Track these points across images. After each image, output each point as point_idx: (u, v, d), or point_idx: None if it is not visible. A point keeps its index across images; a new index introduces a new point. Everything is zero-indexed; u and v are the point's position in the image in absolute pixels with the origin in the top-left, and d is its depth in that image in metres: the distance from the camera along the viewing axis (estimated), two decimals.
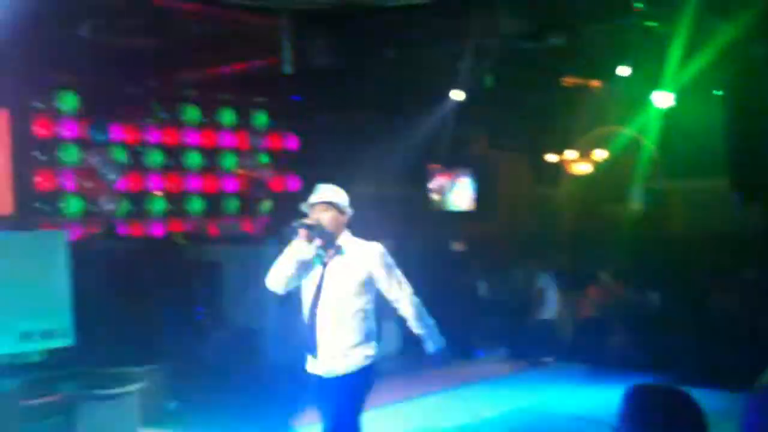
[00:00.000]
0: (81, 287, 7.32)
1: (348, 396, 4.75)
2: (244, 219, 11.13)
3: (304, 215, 4.81)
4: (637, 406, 2.42)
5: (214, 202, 10.87)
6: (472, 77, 10.99)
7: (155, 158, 10.32)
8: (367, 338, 4.79)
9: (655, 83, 11.06)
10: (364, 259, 4.79)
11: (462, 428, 7.73)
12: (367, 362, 4.78)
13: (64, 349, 7.25)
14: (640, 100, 11.71)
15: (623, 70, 10.92)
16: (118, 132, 9.87)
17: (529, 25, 9.79)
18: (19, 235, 7.62)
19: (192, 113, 10.69)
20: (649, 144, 13.04)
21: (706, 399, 2.57)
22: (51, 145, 9.29)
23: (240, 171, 11.09)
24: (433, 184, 13.83)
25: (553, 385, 9.47)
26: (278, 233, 4.92)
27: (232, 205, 11.06)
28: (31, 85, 9.13)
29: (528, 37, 9.90)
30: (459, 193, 14.12)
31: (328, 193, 4.88)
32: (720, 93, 12.07)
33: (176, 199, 10.51)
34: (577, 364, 10.33)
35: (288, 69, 9.22)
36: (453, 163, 13.89)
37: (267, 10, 8.56)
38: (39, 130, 9.18)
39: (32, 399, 6.89)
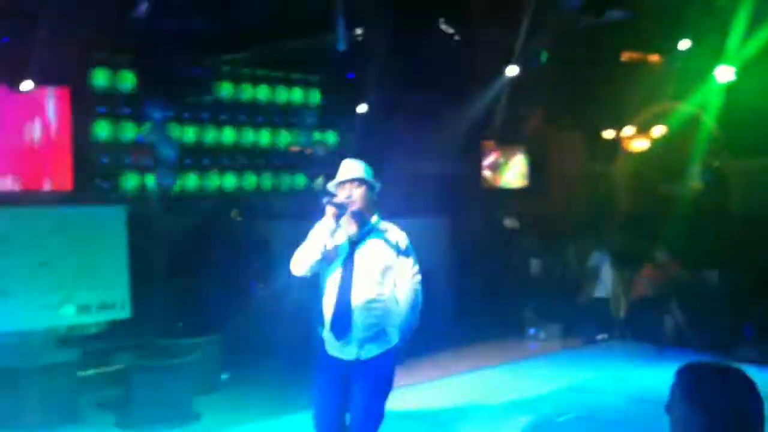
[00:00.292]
0: (138, 261, 7.48)
1: (378, 380, 4.63)
2: (299, 195, 11.20)
3: (332, 195, 4.62)
4: (691, 383, 2.35)
5: (269, 178, 10.96)
6: (529, 53, 10.83)
7: (210, 135, 10.44)
8: (393, 320, 4.68)
9: (716, 57, 10.77)
10: (391, 243, 4.64)
11: (514, 403, 7.71)
12: (394, 344, 4.69)
13: (121, 322, 7.43)
14: (701, 75, 11.42)
15: (684, 44, 10.65)
16: (174, 110, 9.99)
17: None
18: (79, 210, 7.79)
19: (248, 91, 10.76)
20: (710, 121, 12.72)
21: (762, 378, 2.51)
22: (110, 122, 9.45)
23: (295, 148, 11.15)
24: (487, 161, 13.73)
25: (607, 363, 9.38)
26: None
27: (288, 181, 11.13)
28: (92, 64, 9.27)
29: (587, 11, 9.70)
30: (513, 171, 14.00)
31: (357, 169, 4.65)
32: None
33: (232, 175, 10.61)
34: (630, 342, 10.22)
35: (342, 46, 9.20)
36: (507, 140, 13.75)
37: None
38: (98, 107, 9.33)
39: (90, 370, 7.07)
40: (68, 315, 7.03)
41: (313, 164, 11.25)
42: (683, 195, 13.29)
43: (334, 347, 4.67)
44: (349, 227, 4.60)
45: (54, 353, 6.91)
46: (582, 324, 10.58)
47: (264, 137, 11.07)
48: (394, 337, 4.69)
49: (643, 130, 14.42)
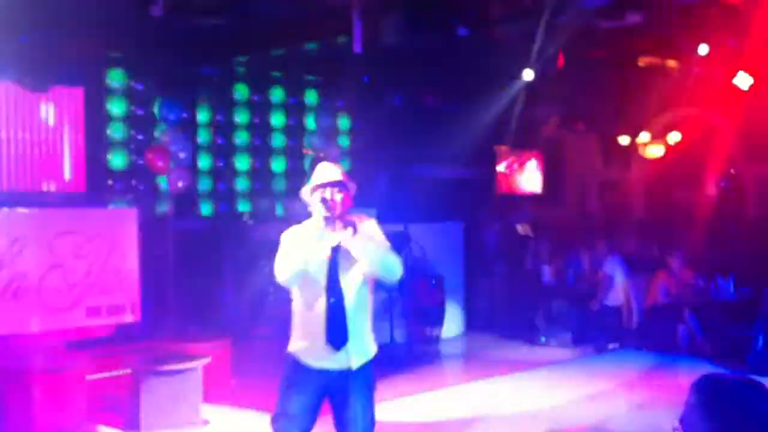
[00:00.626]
0: (148, 264, 7.47)
1: (370, 388, 4.55)
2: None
3: (324, 199, 4.52)
4: (708, 395, 2.31)
5: (283, 181, 10.95)
6: (545, 56, 10.75)
7: (224, 136, 10.45)
8: (370, 326, 4.65)
9: (734, 63, 10.67)
10: (367, 233, 4.50)
11: (526, 413, 7.65)
12: (375, 351, 4.64)
13: (131, 325, 7.42)
14: (719, 81, 11.32)
15: (702, 49, 10.56)
16: (188, 111, 10.01)
17: (606, 2, 9.51)
18: (91, 211, 7.80)
19: (275, 93, 10.78)
20: (727, 127, 12.62)
21: None
22: (124, 123, 9.46)
23: (308, 151, 11.13)
24: (501, 166, 13.65)
25: (619, 372, 9.30)
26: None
27: (302, 184, 11.11)
28: (106, 65, 9.29)
29: (604, 14, 9.62)
30: (527, 175, 13.92)
31: (334, 172, 4.62)
32: None
33: (245, 178, 10.61)
34: (643, 351, 10.14)
35: (358, 48, 9.15)
36: (522, 145, 13.68)
37: None
38: (113, 109, 9.35)
39: (98, 373, 7.05)
40: (78, 317, 7.02)
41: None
42: (698, 202, 13.20)
43: (320, 359, 4.50)
44: (332, 232, 4.48)
45: (63, 356, 6.91)
46: (594, 332, 10.50)
47: (278, 140, 11.07)
48: (374, 344, 4.67)
49: (659, 135, 14.32)
